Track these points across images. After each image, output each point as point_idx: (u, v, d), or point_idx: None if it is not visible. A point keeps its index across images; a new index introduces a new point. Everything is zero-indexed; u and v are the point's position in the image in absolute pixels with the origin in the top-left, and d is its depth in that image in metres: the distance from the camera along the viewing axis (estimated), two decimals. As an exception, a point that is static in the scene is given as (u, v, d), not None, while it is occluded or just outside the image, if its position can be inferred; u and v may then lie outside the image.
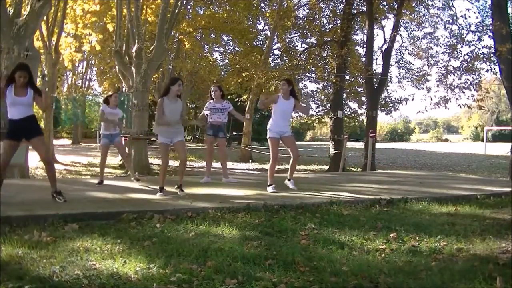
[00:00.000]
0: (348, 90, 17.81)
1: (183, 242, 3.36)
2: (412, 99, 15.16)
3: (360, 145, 19.11)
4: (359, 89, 19.10)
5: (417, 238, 3.62)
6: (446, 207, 4.97)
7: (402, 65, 18.68)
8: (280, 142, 6.12)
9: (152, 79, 16.59)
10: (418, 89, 15.37)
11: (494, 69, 12.15)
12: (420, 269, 2.86)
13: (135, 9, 12.04)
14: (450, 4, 14.27)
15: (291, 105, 6.11)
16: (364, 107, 19.57)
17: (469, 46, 12.88)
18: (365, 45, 15.32)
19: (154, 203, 4.79)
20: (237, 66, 19.00)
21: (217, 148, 7.34)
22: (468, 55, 12.67)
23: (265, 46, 18.24)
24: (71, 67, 22.85)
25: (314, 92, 20.03)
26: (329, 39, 16.10)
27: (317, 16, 16.35)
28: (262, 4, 19.25)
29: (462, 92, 12.94)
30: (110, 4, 14.67)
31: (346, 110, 19.37)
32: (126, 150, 7.06)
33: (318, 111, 20.10)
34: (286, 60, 17.57)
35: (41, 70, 20.63)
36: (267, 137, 6.17)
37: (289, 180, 6.20)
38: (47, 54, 15.18)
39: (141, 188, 6.14)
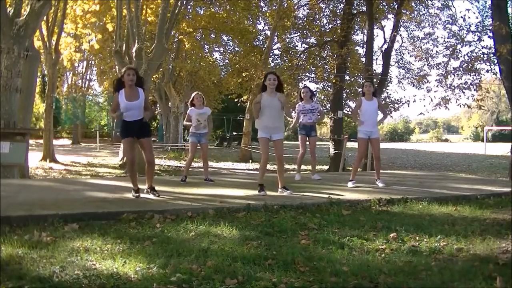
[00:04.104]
0: (348, 90, 17.78)
1: (183, 242, 3.36)
2: (414, 101, 15.16)
3: (360, 145, 19.00)
4: (359, 89, 19.06)
5: (417, 238, 3.61)
6: (446, 207, 4.96)
7: (402, 65, 18.65)
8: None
9: (152, 79, 16.60)
10: (418, 89, 15.37)
11: (494, 69, 12.15)
12: (420, 269, 2.85)
13: (135, 9, 12.05)
14: (450, 4, 14.29)
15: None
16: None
17: (469, 46, 12.89)
18: (365, 45, 15.31)
19: (154, 203, 4.79)
20: (237, 66, 19.00)
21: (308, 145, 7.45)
22: (468, 55, 12.67)
23: (265, 46, 18.24)
24: (71, 67, 22.85)
25: (314, 92, 20.01)
26: (329, 39, 16.09)
27: (317, 16, 16.34)
28: (262, 4, 19.26)
29: (462, 92, 12.94)
30: (110, 4, 14.68)
31: (346, 110, 19.35)
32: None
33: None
34: (286, 60, 17.56)
35: (41, 70, 20.71)
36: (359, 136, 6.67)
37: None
38: (47, 54, 15.18)
39: (141, 188, 6.12)
